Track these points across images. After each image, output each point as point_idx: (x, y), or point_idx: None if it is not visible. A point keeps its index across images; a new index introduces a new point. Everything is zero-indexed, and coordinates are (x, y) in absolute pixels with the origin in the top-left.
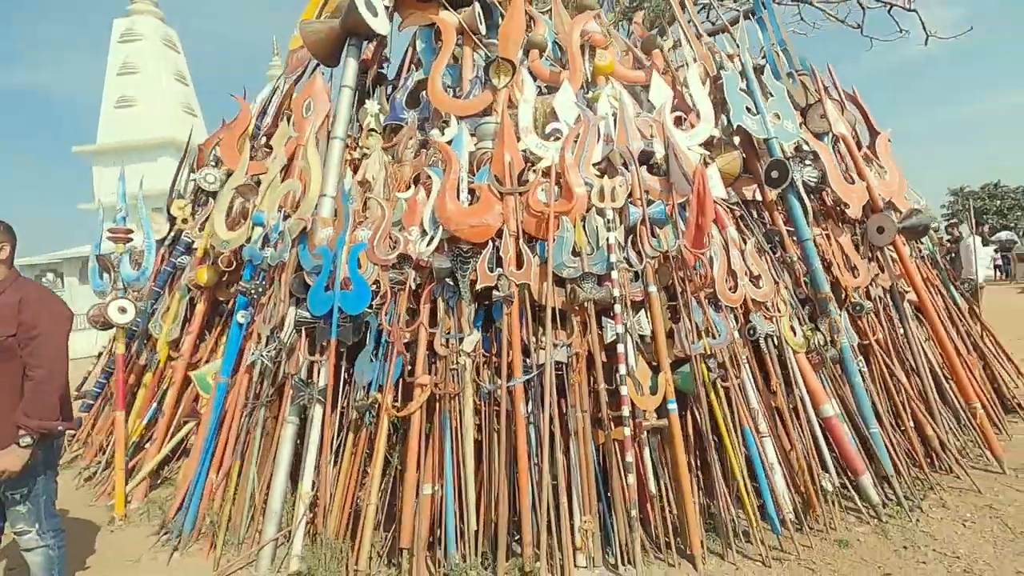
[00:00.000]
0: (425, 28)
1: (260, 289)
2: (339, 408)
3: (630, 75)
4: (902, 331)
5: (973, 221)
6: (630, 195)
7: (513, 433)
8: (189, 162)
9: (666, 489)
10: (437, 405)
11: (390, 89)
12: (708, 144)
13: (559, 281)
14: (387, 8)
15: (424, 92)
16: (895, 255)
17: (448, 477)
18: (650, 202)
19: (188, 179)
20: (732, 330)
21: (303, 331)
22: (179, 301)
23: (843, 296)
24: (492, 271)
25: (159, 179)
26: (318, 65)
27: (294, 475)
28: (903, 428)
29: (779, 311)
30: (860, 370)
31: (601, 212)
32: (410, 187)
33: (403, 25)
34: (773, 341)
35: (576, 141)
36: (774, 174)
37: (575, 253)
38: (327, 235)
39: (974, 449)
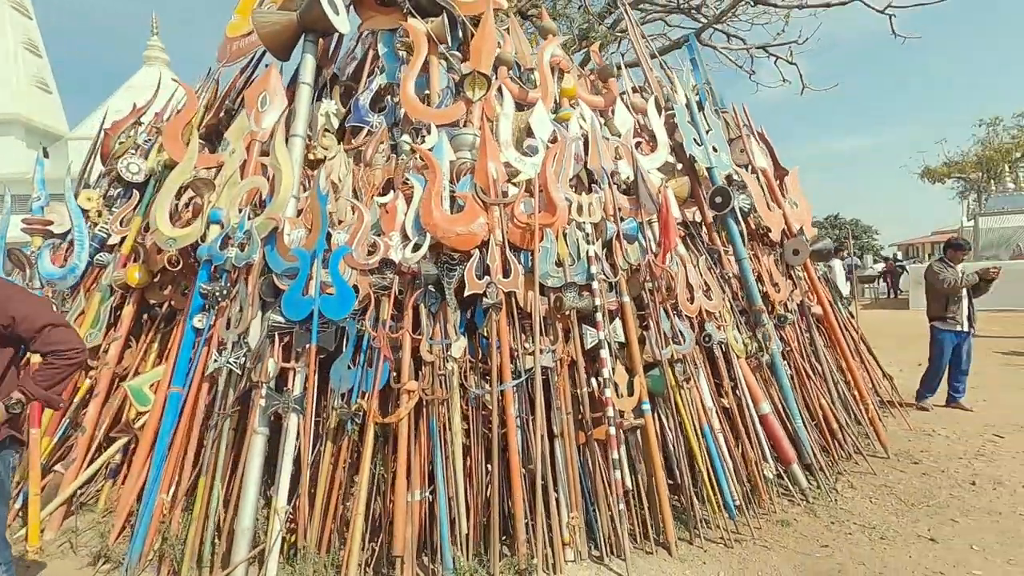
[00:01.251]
0: (386, 32)
1: (224, 291)
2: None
3: (589, 99)
4: (808, 339)
5: (852, 247)
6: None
7: (503, 436)
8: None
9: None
10: (424, 411)
11: (342, 90)
12: (660, 168)
13: (541, 290)
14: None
15: (389, 97)
16: (804, 274)
17: (440, 482)
18: (622, 219)
19: (93, 167)
20: (694, 337)
21: (275, 337)
22: (99, 303)
23: (770, 309)
24: (480, 279)
25: (4, 160)
26: (263, 55)
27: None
28: (816, 422)
29: (725, 321)
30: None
31: (580, 226)
32: (387, 192)
33: (362, 27)
34: (722, 348)
35: (555, 158)
36: (718, 199)
37: (558, 264)
38: (299, 236)
39: (864, 439)
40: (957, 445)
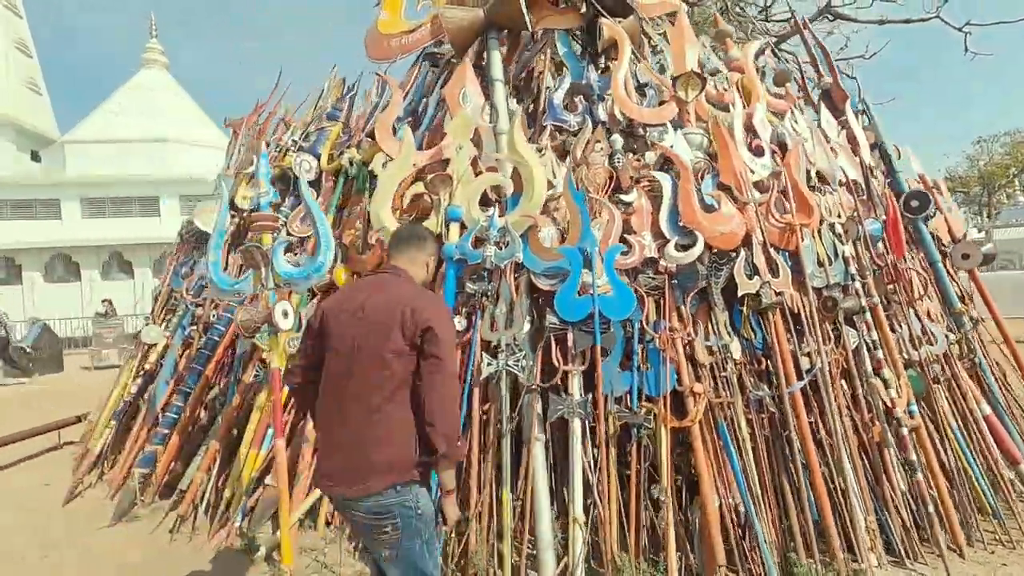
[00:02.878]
0: (562, 32)
1: (490, 292)
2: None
3: (775, 103)
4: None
5: None
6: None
7: (798, 439)
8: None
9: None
10: (710, 414)
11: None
12: None
13: (804, 289)
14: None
15: (580, 97)
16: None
17: (742, 487)
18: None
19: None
20: (944, 338)
21: (550, 338)
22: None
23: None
24: (749, 279)
25: None
26: (423, 51)
27: None
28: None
29: (941, 322)
30: None
31: (832, 226)
32: (630, 191)
33: (536, 25)
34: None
35: (796, 158)
36: (914, 203)
37: (819, 263)
38: (550, 235)
39: None
40: None
